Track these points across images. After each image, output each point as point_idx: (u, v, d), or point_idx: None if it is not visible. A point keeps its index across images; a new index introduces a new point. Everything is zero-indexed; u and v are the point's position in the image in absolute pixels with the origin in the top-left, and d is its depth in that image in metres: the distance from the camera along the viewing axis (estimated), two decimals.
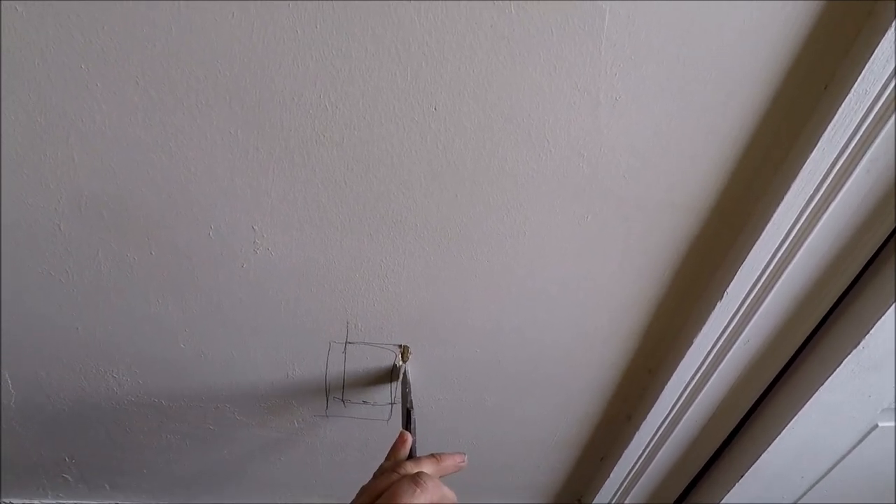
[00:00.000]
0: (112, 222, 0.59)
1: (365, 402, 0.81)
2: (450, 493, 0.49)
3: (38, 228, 0.59)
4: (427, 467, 0.53)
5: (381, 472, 0.53)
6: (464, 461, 0.57)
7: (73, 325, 0.69)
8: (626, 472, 0.94)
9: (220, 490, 0.98)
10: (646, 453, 0.90)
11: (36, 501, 0.97)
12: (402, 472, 0.50)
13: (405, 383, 0.74)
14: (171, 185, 0.57)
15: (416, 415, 0.68)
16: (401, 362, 0.75)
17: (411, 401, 0.70)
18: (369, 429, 0.86)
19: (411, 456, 0.58)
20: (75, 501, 0.98)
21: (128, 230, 0.60)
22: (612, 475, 0.94)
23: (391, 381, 0.79)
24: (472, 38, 0.48)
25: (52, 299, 0.66)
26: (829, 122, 0.53)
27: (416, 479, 0.48)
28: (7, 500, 0.96)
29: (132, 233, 0.60)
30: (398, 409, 0.81)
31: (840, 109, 0.53)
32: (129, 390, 0.79)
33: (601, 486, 0.97)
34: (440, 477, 0.53)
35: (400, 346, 0.74)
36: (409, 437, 0.59)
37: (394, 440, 0.59)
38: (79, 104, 0.51)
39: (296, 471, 0.94)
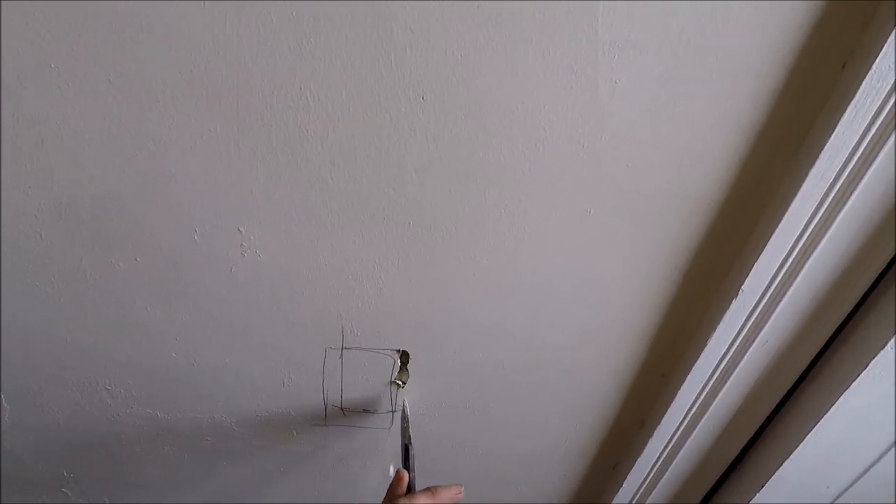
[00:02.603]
0: (94, 228, 0.57)
1: (365, 410, 0.79)
2: None
3: (18, 237, 0.58)
4: (422, 501, 0.55)
5: None
6: (460, 493, 0.58)
7: (62, 335, 0.68)
8: (640, 482, 0.90)
9: (219, 502, 0.95)
10: (660, 461, 0.86)
11: None
12: None
13: (404, 418, 0.74)
14: (151, 186, 0.54)
15: (414, 449, 0.68)
16: (398, 369, 0.72)
17: (409, 436, 0.70)
18: (371, 437, 0.83)
19: (409, 492, 0.59)
20: None
21: (111, 235, 0.58)
22: (625, 484, 0.90)
23: (391, 388, 0.75)
24: (458, 21, 0.45)
25: (38, 310, 0.64)
26: (849, 103, 0.49)
27: None
28: None
29: (115, 238, 0.58)
30: (399, 416, 0.78)
31: (860, 89, 0.49)
32: (123, 402, 0.77)
33: (614, 496, 0.93)
34: None
35: (398, 350, 0.71)
36: (406, 476, 0.60)
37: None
38: (51, 106, 0.49)
39: (296, 482, 0.92)
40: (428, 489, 0.58)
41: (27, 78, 0.47)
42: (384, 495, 0.61)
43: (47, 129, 0.50)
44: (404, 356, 0.71)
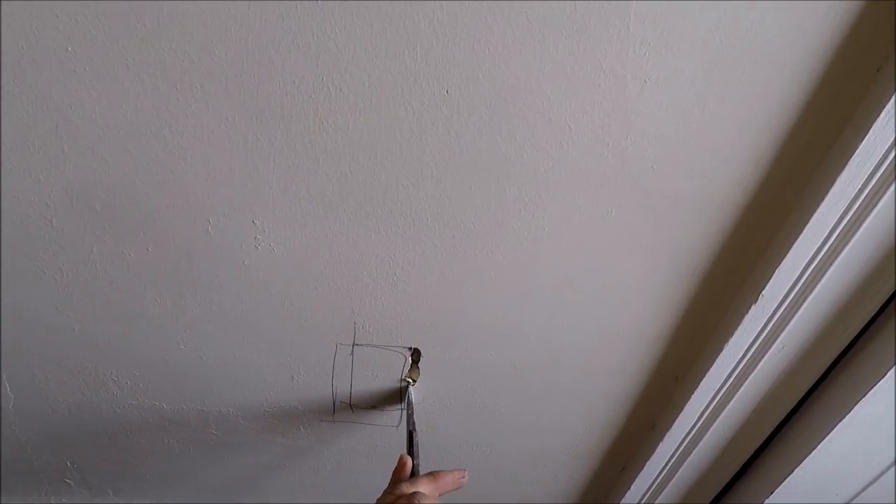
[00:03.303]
0: (106, 216, 0.56)
1: (373, 406, 0.78)
2: None
3: (29, 224, 0.57)
4: (424, 487, 0.54)
5: (380, 497, 0.54)
6: (464, 477, 0.58)
7: (70, 325, 0.67)
8: (648, 485, 0.89)
9: (225, 496, 0.95)
10: (669, 465, 0.85)
11: None
12: (398, 492, 0.52)
13: (409, 405, 0.73)
14: (166, 176, 0.53)
15: (419, 437, 0.67)
16: (409, 367, 0.71)
17: (414, 422, 0.69)
18: (378, 434, 0.83)
19: (412, 476, 0.59)
20: None
21: (122, 225, 0.57)
22: (633, 487, 0.89)
23: (401, 386, 0.75)
24: (487, 13, 0.44)
25: (47, 298, 0.63)
26: (882, 108, 0.48)
27: (411, 499, 0.50)
28: None
29: (127, 227, 0.57)
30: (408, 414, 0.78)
31: (893, 95, 0.48)
32: (129, 393, 0.76)
33: (621, 498, 0.92)
34: (439, 495, 0.55)
35: (410, 348, 0.70)
36: (409, 461, 0.60)
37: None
38: (66, 90, 0.48)
39: (302, 477, 0.91)
40: (430, 473, 0.57)
41: (43, 60, 0.46)
42: None
43: (61, 114, 0.49)
44: (416, 354, 0.71)
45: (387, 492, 0.54)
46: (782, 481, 0.80)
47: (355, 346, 0.69)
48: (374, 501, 0.53)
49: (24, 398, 0.76)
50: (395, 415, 0.79)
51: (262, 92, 0.48)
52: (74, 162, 0.52)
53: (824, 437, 0.74)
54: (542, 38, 0.46)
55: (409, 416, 0.71)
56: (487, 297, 0.64)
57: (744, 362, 0.69)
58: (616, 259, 0.61)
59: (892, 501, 0.85)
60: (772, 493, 0.82)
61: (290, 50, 0.46)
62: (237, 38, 0.45)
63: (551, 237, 0.59)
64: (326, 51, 0.46)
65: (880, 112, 0.48)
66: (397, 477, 0.59)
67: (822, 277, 0.60)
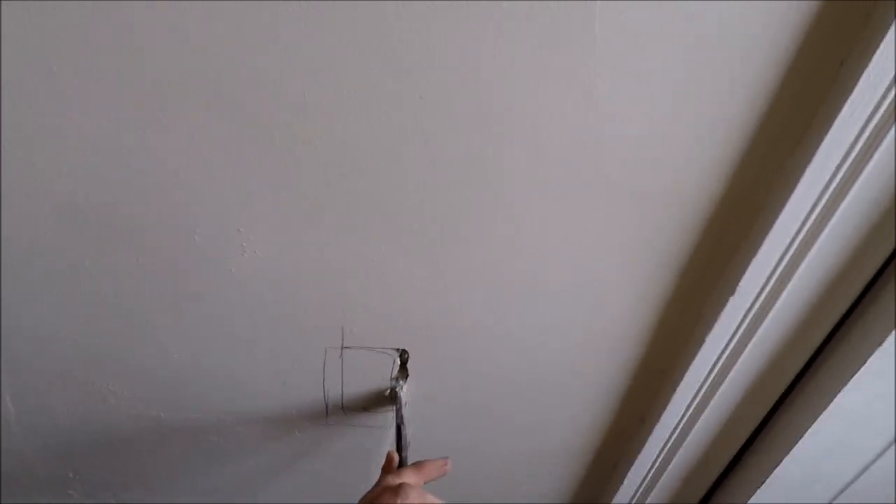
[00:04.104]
0: (97, 230, 0.58)
1: (365, 408, 0.79)
2: (434, 500, 0.52)
3: (22, 239, 0.58)
4: (409, 477, 0.56)
5: (369, 491, 0.55)
6: (447, 465, 0.60)
7: (67, 337, 0.68)
8: (640, 481, 0.90)
9: (224, 501, 0.96)
10: (659, 460, 0.86)
11: None
12: (385, 484, 0.53)
13: (397, 400, 0.74)
14: (153, 188, 0.55)
15: (407, 430, 0.70)
16: (398, 368, 0.73)
17: (402, 416, 0.71)
18: (371, 436, 0.84)
19: (399, 468, 0.60)
20: None
21: (113, 237, 0.59)
22: (625, 483, 0.90)
23: (391, 387, 0.76)
24: (458, 23, 0.46)
25: (43, 311, 0.65)
26: (846, 100, 0.49)
27: (397, 490, 0.51)
28: None
29: (118, 240, 0.59)
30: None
31: (857, 87, 0.49)
32: (127, 403, 0.77)
33: (614, 496, 0.93)
34: (424, 482, 0.57)
35: (398, 349, 0.71)
36: (396, 457, 0.62)
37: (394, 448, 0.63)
38: (55, 108, 0.49)
39: (299, 480, 0.92)
40: (414, 464, 0.59)
41: (29, 79, 0.47)
42: None
43: (49, 131, 0.51)
44: (404, 355, 0.72)
45: (375, 485, 0.56)
46: (772, 472, 0.80)
47: (344, 350, 0.71)
48: (363, 495, 0.54)
49: (26, 410, 0.78)
50: (386, 416, 0.80)
51: (243, 105, 0.49)
52: (64, 177, 0.54)
53: (811, 427, 0.74)
54: (512, 42, 0.47)
55: (398, 411, 0.73)
56: (471, 298, 0.66)
57: (726, 354, 0.70)
58: (595, 256, 0.62)
59: (882, 491, 0.85)
60: (762, 484, 0.82)
61: (268, 63, 0.47)
62: (217, 53, 0.47)
63: (531, 237, 0.60)
64: (301, 64, 0.47)
65: (844, 105, 0.50)
66: (385, 471, 0.60)
67: (797, 268, 0.61)
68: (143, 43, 0.46)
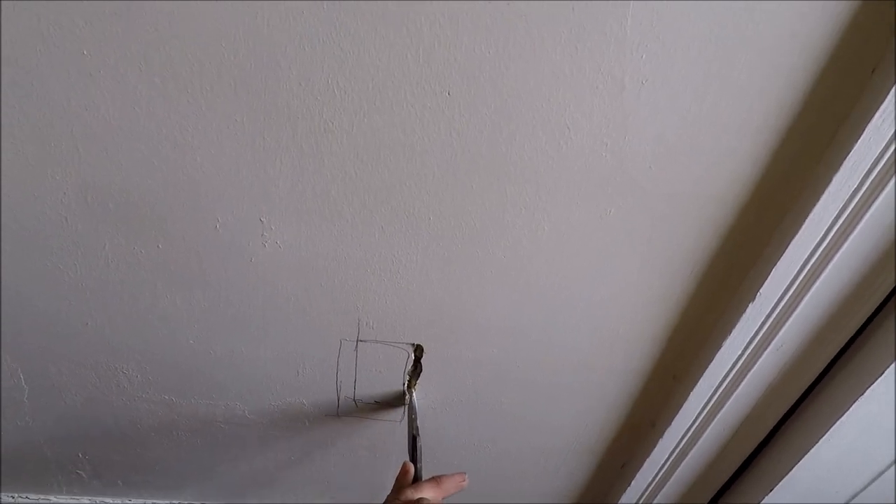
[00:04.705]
0: (118, 215, 0.58)
1: (377, 402, 0.79)
2: None
3: (44, 221, 0.58)
4: (427, 492, 0.56)
5: (385, 502, 0.56)
6: (464, 481, 0.59)
7: (82, 320, 0.68)
8: (648, 482, 0.90)
9: (231, 489, 0.96)
10: (669, 462, 0.86)
11: (51, 498, 0.97)
12: (404, 498, 0.54)
13: (412, 409, 0.74)
14: (176, 175, 0.55)
15: (422, 441, 0.69)
16: (412, 364, 0.73)
17: (417, 427, 0.70)
18: (381, 429, 0.84)
19: (416, 482, 0.60)
20: (89, 498, 0.98)
21: (134, 223, 0.59)
22: (633, 483, 0.90)
23: (404, 381, 0.76)
24: (488, 18, 0.45)
25: (60, 293, 0.65)
26: (877, 108, 0.49)
27: None
28: (23, 496, 0.96)
29: (139, 226, 0.59)
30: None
31: (889, 95, 0.48)
32: (139, 387, 0.78)
33: (621, 495, 0.93)
34: (443, 498, 0.57)
35: (413, 345, 0.71)
36: (412, 468, 0.61)
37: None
38: (82, 92, 0.49)
39: (307, 472, 0.92)
40: (433, 478, 0.59)
41: (59, 62, 0.47)
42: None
43: (76, 115, 0.51)
44: (418, 350, 0.72)
45: (391, 497, 0.56)
46: (783, 478, 0.80)
47: (359, 343, 0.71)
48: None
49: (38, 391, 0.78)
50: (398, 411, 0.80)
51: (270, 94, 0.49)
52: (88, 162, 0.54)
53: (824, 435, 0.74)
54: (541, 40, 0.47)
55: (413, 421, 0.72)
56: (488, 295, 0.66)
57: (742, 360, 0.70)
58: (615, 258, 0.62)
59: (892, 501, 0.85)
60: (772, 489, 0.82)
61: (297, 53, 0.47)
62: (245, 41, 0.46)
63: (551, 236, 0.60)
64: (331, 54, 0.47)
65: (875, 112, 0.49)
66: (401, 482, 0.60)
67: (819, 276, 0.60)
68: (174, 29, 0.46)
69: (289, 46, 0.47)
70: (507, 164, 0.54)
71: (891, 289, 0.62)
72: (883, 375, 0.66)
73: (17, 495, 0.96)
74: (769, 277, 0.60)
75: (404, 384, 0.76)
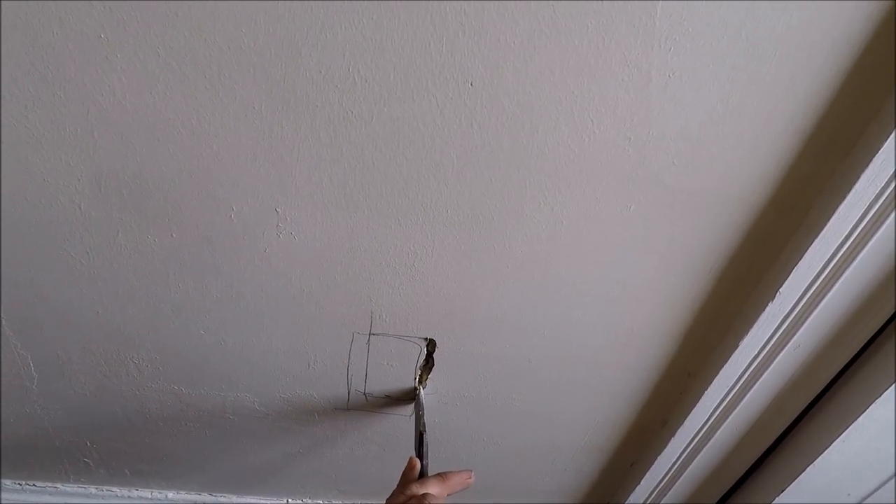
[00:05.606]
0: (132, 202, 0.57)
1: (388, 396, 0.79)
2: None
3: (57, 208, 0.58)
4: (433, 488, 0.56)
5: (390, 497, 0.56)
6: (470, 478, 0.59)
7: (93, 307, 0.68)
8: (658, 481, 0.90)
9: (238, 482, 0.96)
10: (679, 461, 0.86)
11: (58, 485, 0.97)
12: (409, 493, 0.54)
13: (419, 406, 0.74)
14: (192, 163, 0.54)
15: (430, 436, 0.69)
16: (423, 358, 0.72)
17: (424, 423, 0.70)
18: (391, 424, 0.84)
19: (421, 477, 0.60)
20: (95, 486, 0.98)
21: (148, 210, 0.58)
22: (642, 482, 0.90)
23: (415, 376, 0.75)
24: (514, 7, 0.44)
25: (71, 281, 0.65)
26: None
27: (421, 500, 0.51)
28: (30, 483, 0.96)
29: (152, 213, 0.58)
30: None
31: None
32: (149, 376, 0.77)
33: (630, 493, 0.93)
34: (448, 495, 0.57)
35: (425, 339, 0.71)
36: (418, 463, 0.62)
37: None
38: (98, 76, 0.49)
39: (315, 465, 0.92)
40: (439, 475, 0.59)
41: (76, 46, 0.47)
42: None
43: (93, 100, 0.50)
44: (431, 345, 0.71)
45: (397, 492, 0.55)
46: (795, 479, 0.80)
47: (372, 336, 0.70)
48: (385, 501, 0.55)
49: (48, 379, 0.78)
50: (408, 406, 0.80)
51: (289, 82, 0.49)
52: (104, 148, 0.53)
53: (837, 437, 0.74)
54: (567, 33, 0.46)
55: (420, 418, 0.72)
56: (504, 290, 0.65)
57: (758, 360, 0.69)
58: (633, 254, 0.61)
59: None
60: (783, 491, 0.82)
61: (318, 40, 0.46)
62: (265, 28, 0.46)
63: (569, 231, 0.59)
64: (353, 42, 0.46)
65: None
66: (407, 478, 0.60)
67: (840, 276, 0.60)
68: (192, 18, 0.45)
69: (310, 34, 0.46)
70: (528, 157, 0.53)
71: None
72: None
73: (24, 482, 0.96)
74: (790, 276, 0.59)
75: (415, 379, 0.75)
